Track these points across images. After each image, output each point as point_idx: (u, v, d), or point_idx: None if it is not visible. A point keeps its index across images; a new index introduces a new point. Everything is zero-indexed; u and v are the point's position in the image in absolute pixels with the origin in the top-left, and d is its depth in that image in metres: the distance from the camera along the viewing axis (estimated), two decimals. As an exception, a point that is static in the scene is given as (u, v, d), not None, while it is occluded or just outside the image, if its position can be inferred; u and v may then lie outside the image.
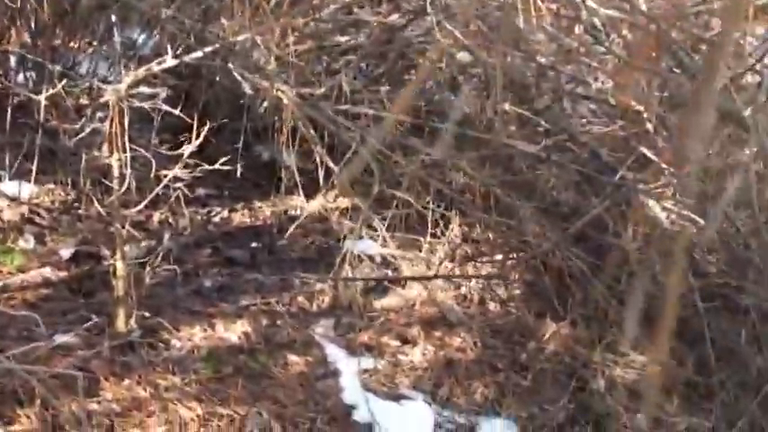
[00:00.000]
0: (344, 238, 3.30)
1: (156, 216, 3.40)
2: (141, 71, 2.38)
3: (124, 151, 2.51)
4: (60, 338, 2.56)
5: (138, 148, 2.64)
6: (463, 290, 3.22)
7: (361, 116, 2.60)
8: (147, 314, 2.77)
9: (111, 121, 2.36)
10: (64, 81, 2.48)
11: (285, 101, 2.34)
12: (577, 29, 2.49)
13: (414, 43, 3.06)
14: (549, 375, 2.93)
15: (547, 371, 2.95)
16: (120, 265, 2.65)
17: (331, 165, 2.55)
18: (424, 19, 2.74)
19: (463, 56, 2.96)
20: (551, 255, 2.82)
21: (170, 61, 2.38)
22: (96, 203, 2.63)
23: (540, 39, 2.84)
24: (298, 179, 3.26)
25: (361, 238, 3.19)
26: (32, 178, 3.20)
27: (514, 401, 2.81)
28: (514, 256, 3.21)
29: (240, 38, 2.37)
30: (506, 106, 2.46)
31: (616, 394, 2.84)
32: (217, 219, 3.59)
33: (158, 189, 2.75)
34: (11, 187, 3.17)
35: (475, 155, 2.82)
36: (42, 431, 2.25)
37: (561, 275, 2.96)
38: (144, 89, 3.27)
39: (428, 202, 3.14)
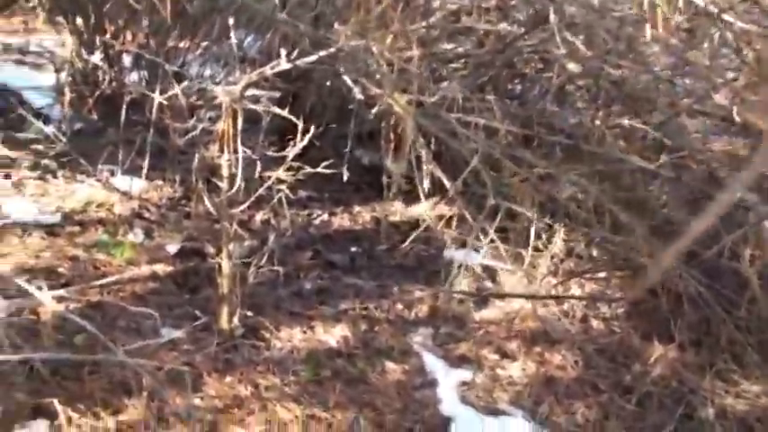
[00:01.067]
0: (446, 246, 3.26)
1: (259, 216, 3.45)
2: (255, 74, 2.41)
3: (235, 152, 2.54)
4: (168, 334, 2.60)
5: (244, 148, 2.68)
6: (566, 305, 3.14)
7: (471, 125, 2.56)
8: (249, 313, 2.81)
9: (224, 121, 2.39)
10: (184, 83, 2.51)
11: (396, 107, 2.33)
12: (704, 42, 2.39)
13: (525, 52, 3.01)
14: (654, 400, 2.82)
15: (653, 395, 2.84)
16: (225, 263, 2.69)
17: (438, 173, 2.51)
18: (541, 29, 2.68)
19: (575, 66, 2.89)
20: (664, 275, 2.71)
21: (284, 65, 2.40)
22: (207, 201, 2.66)
23: (657, 51, 2.75)
24: (401, 186, 3.25)
25: (464, 247, 3.15)
26: (143, 174, 3.29)
27: (618, 425, 2.71)
28: (620, 274, 3.11)
29: (352, 43, 2.36)
30: (624, 120, 2.37)
31: (726, 425, 2.71)
32: (317, 221, 3.62)
33: (262, 189, 2.77)
34: (123, 182, 3.26)
35: (584, 168, 2.74)
36: (149, 423, 2.28)
37: (670, 296, 2.84)
38: (255, 91, 3.34)
39: (532, 215, 3.07)
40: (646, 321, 3.08)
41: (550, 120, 3.20)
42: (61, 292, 2.18)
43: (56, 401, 2.21)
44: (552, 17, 2.26)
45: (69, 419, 2.21)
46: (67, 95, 3.10)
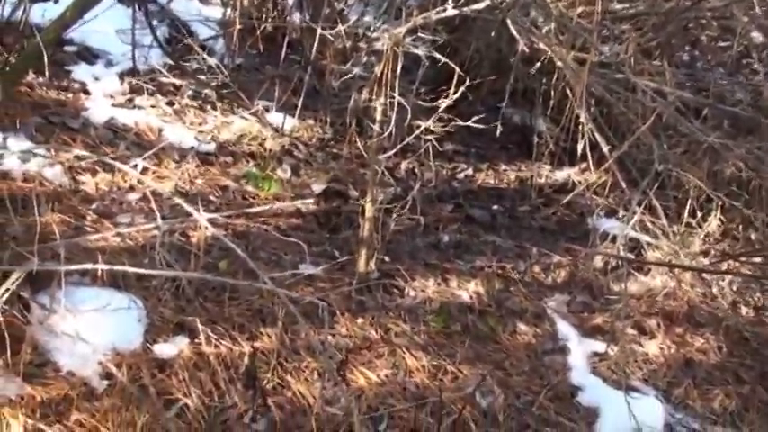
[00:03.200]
0: (592, 213, 3.15)
1: (404, 165, 3.45)
2: (420, 18, 2.37)
3: (390, 98, 2.52)
4: (307, 269, 2.66)
5: (395, 95, 2.66)
6: (715, 289, 2.97)
7: (638, 89, 2.43)
8: (386, 258, 2.82)
9: (384, 64, 2.37)
10: (347, 24, 2.49)
11: (562, 64, 2.23)
12: None
13: (704, 17, 2.82)
14: (802, 398, 2.65)
15: (800, 393, 2.67)
16: (369, 206, 2.70)
17: (595, 137, 2.41)
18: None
19: (757, 36, 2.68)
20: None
21: (450, 11, 2.35)
22: (359, 144, 2.67)
23: None
24: (551, 147, 3.15)
25: (611, 216, 3.03)
26: (296, 113, 3.34)
27: (758, 418, 2.57)
28: (779, 261, 2.91)
29: (524, -7, 2.28)
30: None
31: None
32: (461, 176, 3.58)
33: (410, 138, 2.75)
34: (276, 119, 3.32)
35: (753, 146, 2.56)
36: (281, 352, 2.35)
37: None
38: (412, 38, 3.30)
39: (690, 189, 2.91)
40: (802, 315, 2.89)
41: (720, 91, 3.00)
42: (214, 215, 2.25)
43: (198, 321, 2.32)
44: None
45: (208, 339, 2.30)
46: (233, 29, 3.17)
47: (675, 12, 2.78)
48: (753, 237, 3.07)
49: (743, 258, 3.00)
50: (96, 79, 3.25)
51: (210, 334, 2.31)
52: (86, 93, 3.17)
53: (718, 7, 2.74)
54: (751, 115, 2.55)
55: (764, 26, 2.45)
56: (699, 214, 3.03)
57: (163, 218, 2.32)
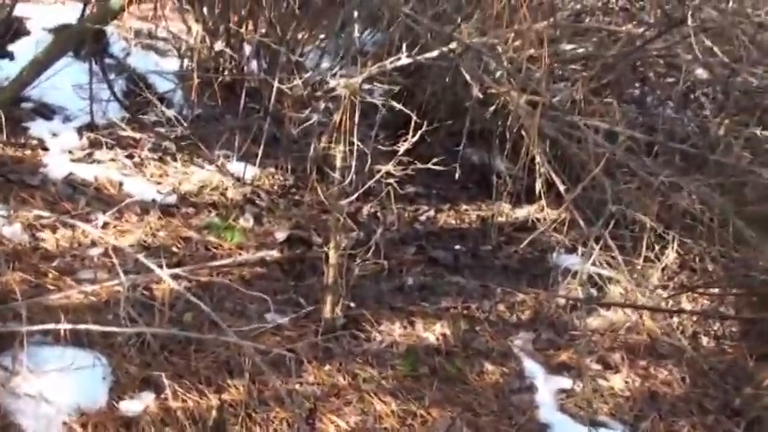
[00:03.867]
0: (553, 251, 3.20)
1: (366, 209, 3.47)
2: (375, 68, 2.42)
3: (350, 144, 2.56)
4: (273, 319, 2.65)
5: (355, 141, 2.69)
6: (676, 320, 3.03)
7: (589, 131, 2.49)
8: (352, 304, 2.83)
9: (342, 112, 2.41)
10: (305, 73, 2.54)
11: (515, 107, 2.29)
12: None
13: (650, 56, 2.91)
14: (765, 425, 2.69)
15: (763, 420, 2.71)
16: (332, 253, 2.72)
17: (552, 176, 2.47)
18: (671, 33, 2.59)
19: (703, 72, 2.78)
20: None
21: (404, 59, 2.40)
22: (319, 191, 2.70)
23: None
24: (510, 186, 3.20)
25: (571, 253, 3.08)
26: (257, 161, 3.36)
27: (724, 448, 2.61)
28: (736, 291, 2.97)
29: (475, 39, 2.34)
30: (756, 131, 2.26)
31: (843, 459, 2.56)
32: (423, 217, 3.61)
33: (371, 182, 2.78)
34: (237, 168, 3.34)
35: (707, 179, 2.63)
36: (249, 403, 2.33)
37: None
38: (369, 85, 3.35)
39: (646, 225, 2.97)
40: (762, 343, 2.94)
41: (671, 127, 3.09)
42: (177, 270, 2.25)
43: (164, 375, 2.30)
44: (690, 20, 2.17)
45: (175, 394, 2.28)
46: (190, 81, 3.20)
47: (623, 54, 2.87)
48: (710, 268, 3.14)
49: (700, 290, 3.06)
50: (54, 135, 3.25)
51: (177, 388, 2.30)
52: (44, 149, 3.16)
53: (662, 47, 2.84)
54: (699, 151, 2.63)
55: (707, 64, 2.54)
56: (656, 248, 3.09)
57: (126, 273, 2.31)
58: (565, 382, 2.83)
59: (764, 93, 2.70)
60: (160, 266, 2.07)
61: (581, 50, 3.15)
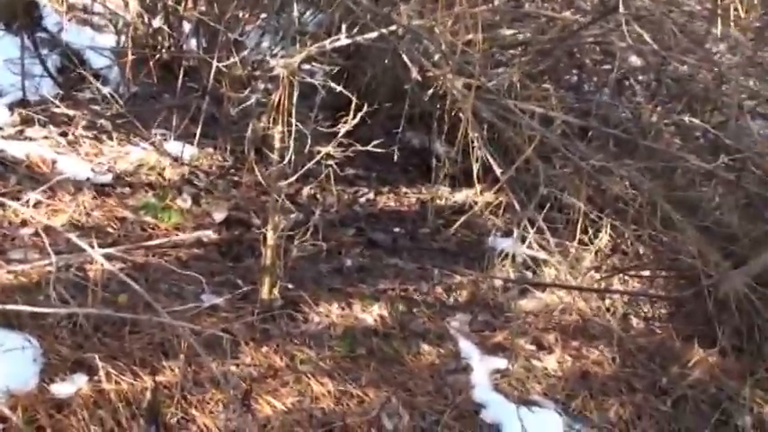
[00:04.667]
0: (489, 233, 3.25)
1: (306, 191, 3.47)
2: (314, 48, 2.41)
3: (288, 125, 2.55)
4: (209, 300, 2.64)
5: (296, 122, 2.68)
6: (607, 302, 3.10)
7: (524, 115, 2.53)
8: (290, 286, 2.83)
9: (281, 93, 2.40)
10: (244, 52, 2.51)
11: (453, 90, 2.31)
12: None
13: (586, 43, 2.96)
14: (690, 403, 2.79)
15: (689, 398, 2.81)
16: (270, 234, 2.71)
17: (489, 159, 2.50)
18: (606, 20, 2.63)
19: (637, 60, 2.84)
20: (709, 277, 2.66)
21: (343, 40, 2.39)
22: (257, 172, 2.68)
23: (723, 49, 2.68)
24: (449, 170, 3.23)
25: (508, 236, 3.13)
26: (195, 141, 3.32)
27: (651, 425, 2.69)
28: (665, 273, 3.06)
29: (415, 22, 2.35)
30: (682, 117, 2.32)
31: (762, 434, 2.67)
32: (363, 200, 3.63)
33: (311, 164, 2.77)
34: (175, 147, 3.30)
35: (638, 164, 2.70)
36: (184, 385, 2.32)
37: (716, 300, 2.79)
38: (310, 66, 3.34)
39: (579, 208, 3.04)
40: (688, 324, 3.04)
41: (606, 113, 3.15)
42: (111, 250, 2.21)
43: (97, 357, 2.27)
44: (621, 8, 2.21)
45: (108, 375, 2.26)
46: (126, 58, 3.14)
47: (558, 39, 2.91)
48: (640, 251, 3.22)
49: (632, 272, 3.14)
50: (-16, 111, 3.16)
51: (111, 370, 2.27)
52: (-26, 125, 3.08)
53: (598, 34, 2.89)
54: (632, 136, 2.70)
55: (641, 51, 2.60)
56: (590, 231, 3.16)
57: (58, 253, 2.27)
58: (500, 362, 2.88)
59: (693, 81, 2.77)
60: (92, 246, 2.03)
61: (520, 36, 3.19)
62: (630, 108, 3.13)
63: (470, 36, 2.67)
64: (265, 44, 3.77)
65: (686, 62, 2.54)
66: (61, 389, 2.17)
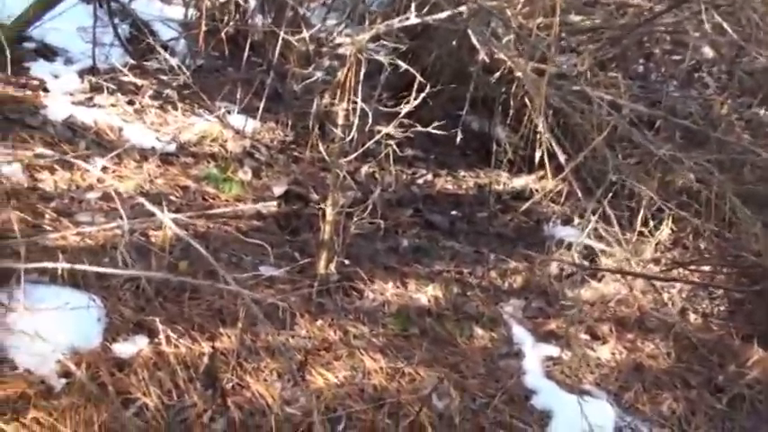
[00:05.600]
0: (548, 220, 3.22)
1: (365, 169, 3.48)
2: (383, 26, 2.40)
3: (353, 102, 2.55)
4: (266, 271, 2.67)
5: (358, 100, 2.68)
6: (666, 296, 3.06)
7: (594, 101, 2.49)
8: (346, 262, 2.84)
9: (347, 70, 2.40)
10: (313, 29, 2.51)
11: (522, 75, 2.29)
12: None
13: (658, 32, 2.90)
14: (747, 403, 2.74)
15: (745, 398, 2.76)
16: (330, 210, 2.72)
17: (553, 145, 2.47)
18: (681, 8, 2.57)
19: (708, 51, 2.77)
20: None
21: (413, 19, 2.38)
22: (321, 148, 2.69)
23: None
24: (509, 154, 3.21)
25: (566, 224, 3.10)
26: (258, 115, 3.35)
27: (704, 422, 2.65)
28: (727, 270, 3.00)
29: (487, 3, 2.33)
30: (760, 111, 2.26)
31: (821, 438, 2.61)
32: (421, 181, 3.62)
33: (371, 143, 2.78)
34: (238, 120, 3.33)
35: (707, 156, 2.64)
36: (240, 352, 2.35)
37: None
38: (375, 44, 3.33)
39: (641, 199, 2.99)
40: (748, 322, 2.98)
41: (673, 104, 3.09)
42: (178, 216, 2.25)
43: (157, 320, 2.31)
44: (698, -5, 2.17)
45: (168, 338, 2.30)
46: (196, 30, 3.17)
47: (630, 27, 2.86)
48: (702, 245, 3.16)
49: (692, 267, 3.09)
50: (55, 77, 3.23)
51: (170, 333, 2.31)
52: (45, 90, 3.14)
53: (671, 23, 2.83)
54: (701, 128, 2.64)
55: (715, 42, 2.54)
56: (651, 223, 3.11)
57: (122, 218, 2.31)
58: (552, 350, 2.87)
59: (769, 74, 2.70)
60: (161, 211, 2.07)
61: (588, 22, 3.14)
62: (700, 100, 3.06)
63: (539, 20, 2.64)
64: (331, 21, 3.78)
65: (763, 54, 2.47)
66: (123, 349, 2.22)
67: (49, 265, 2.04)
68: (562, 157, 2.44)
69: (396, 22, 2.47)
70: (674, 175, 2.65)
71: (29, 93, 3.08)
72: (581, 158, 2.26)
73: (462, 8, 2.42)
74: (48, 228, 2.49)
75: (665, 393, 2.77)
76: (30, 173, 2.70)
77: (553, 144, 2.47)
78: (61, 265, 2.04)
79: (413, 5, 2.46)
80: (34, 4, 2.58)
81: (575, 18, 3.31)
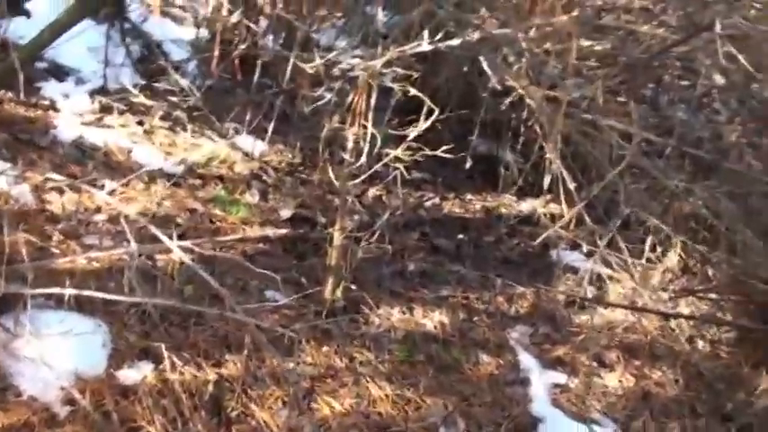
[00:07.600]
0: (555, 246, 3.21)
1: (372, 192, 3.47)
2: (395, 52, 2.40)
3: (363, 127, 2.55)
4: (273, 296, 2.66)
5: (368, 125, 2.68)
6: (673, 323, 3.04)
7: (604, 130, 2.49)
8: (353, 287, 2.83)
9: (358, 95, 2.40)
10: (330, 54, 2.51)
11: (533, 104, 2.29)
12: None
13: (670, 58, 2.89)
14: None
15: (753, 427, 2.73)
16: (337, 234, 2.72)
17: (563, 172, 2.46)
18: (699, 37, 2.56)
19: (719, 78, 2.77)
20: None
21: (426, 46, 2.38)
22: (330, 172, 2.69)
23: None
24: (516, 179, 3.20)
25: (573, 249, 3.09)
26: (267, 138, 3.35)
27: (713, 452, 2.63)
28: (735, 298, 2.99)
29: (497, 30, 2.33)
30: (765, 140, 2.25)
31: (831, 470, 2.58)
32: (428, 204, 3.62)
33: (378, 166, 2.77)
34: (246, 142, 3.33)
35: (717, 185, 2.63)
36: (246, 380, 2.34)
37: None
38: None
39: (649, 227, 2.98)
40: (756, 350, 2.96)
41: (682, 131, 3.08)
42: (186, 243, 2.25)
43: (163, 347, 2.31)
44: (718, 27, 2.15)
45: (173, 365, 2.29)
46: (211, 54, 3.18)
47: (646, 56, 2.85)
48: (710, 273, 3.15)
49: (700, 294, 3.07)
50: (66, 97, 3.24)
51: (175, 360, 2.30)
52: (55, 110, 3.16)
53: (684, 51, 2.82)
54: (712, 156, 2.64)
55: (725, 70, 2.53)
56: (659, 250, 3.10)
57: (127, 241, 2.31)
58: (559, 377, 2.84)
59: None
60: (170, 237, 2.07)
61: (598, 48, 3.13)
62: (710, 127, 3.06)
63: (549, 47, 2.64)
64: (341, 44, 3.79)
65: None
66: (128, 375, 2.21)
67: (57, 290, 2.04)
68: (572, 185, 2.44)
69: (408, 49, 2.47)
70: (684, 203, 2.63)
71: (39, 113, 3.10)
72: (595, 192, 2.24)
73: (475, 35, 2.42)
74: (55, 250, 2.49)
75: (672, 422, 2.74)
76: (38, 194, 2.70)
77: (563, 171, 2.46)
78: (68, 291, 2.03)
79: (425, 32, 2.45)
80: (48, 28, 2.60)
81: (585, 43, 3.31)
